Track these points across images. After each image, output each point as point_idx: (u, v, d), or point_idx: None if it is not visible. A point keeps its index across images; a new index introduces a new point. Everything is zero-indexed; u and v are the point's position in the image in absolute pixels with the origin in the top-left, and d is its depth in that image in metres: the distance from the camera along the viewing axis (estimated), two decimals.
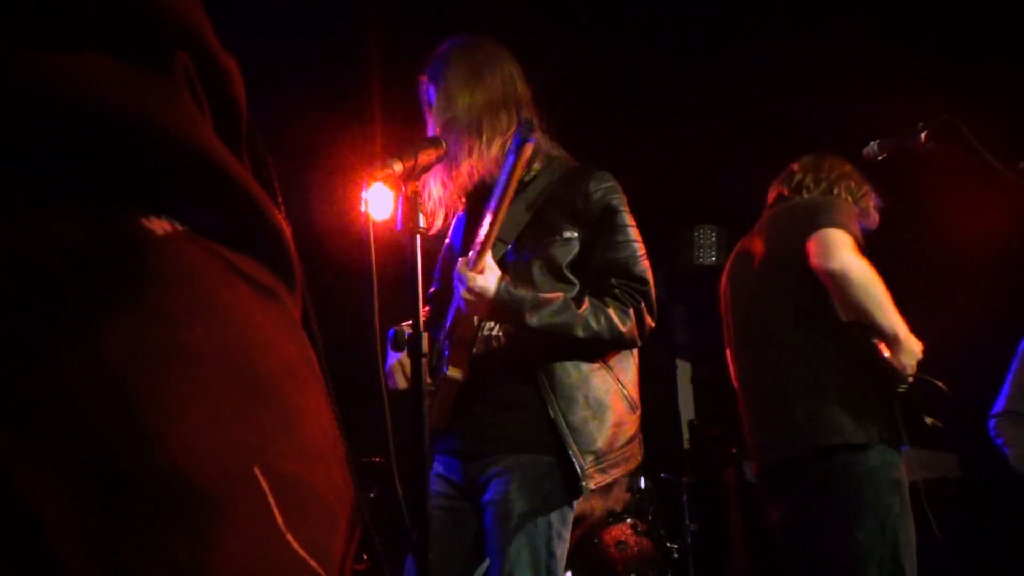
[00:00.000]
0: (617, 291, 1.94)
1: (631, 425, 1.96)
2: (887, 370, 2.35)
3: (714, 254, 5.44)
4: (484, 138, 1.99)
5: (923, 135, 2.51)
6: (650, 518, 4.12)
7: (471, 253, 1.89)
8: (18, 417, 0.34)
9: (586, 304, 1.91)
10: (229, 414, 0.40)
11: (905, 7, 3.66)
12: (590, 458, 1.86)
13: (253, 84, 0.53)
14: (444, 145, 1.98)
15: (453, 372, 1.98)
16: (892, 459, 2.35)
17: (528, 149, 1.76)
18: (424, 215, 1.83)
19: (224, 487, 0.38)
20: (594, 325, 1.88)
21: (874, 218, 2.79)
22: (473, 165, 1.99)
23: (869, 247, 2.69)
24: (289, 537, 0.41)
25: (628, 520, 4.07)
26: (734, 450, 5.08)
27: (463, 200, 2.08)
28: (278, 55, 3.77)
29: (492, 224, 1.86)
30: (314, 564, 0.42)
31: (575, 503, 1.89)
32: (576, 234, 1.99)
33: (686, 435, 5.94)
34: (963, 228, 2.82)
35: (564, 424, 1.86)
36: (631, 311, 1.93)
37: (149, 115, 0.41)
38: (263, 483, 0.40)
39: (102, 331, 0.37)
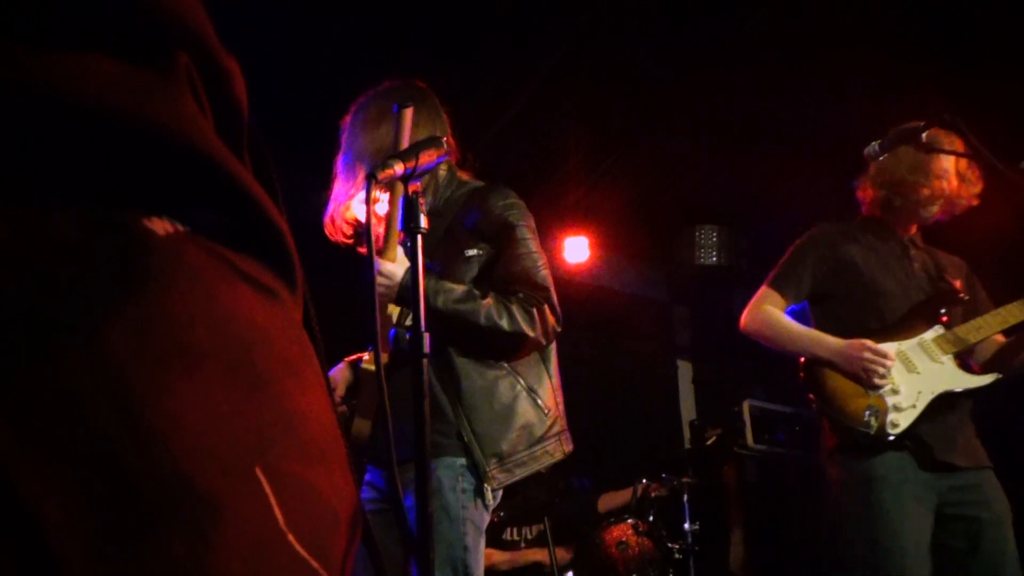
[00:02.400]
0: (521, 295, 2.07)
1: (540, 426, 2.07)
2: None
3: (715, 254, 5.43)
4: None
5: (924, 135, 2.51)
6: (651, 518, 4.12)
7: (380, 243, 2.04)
8: (19, 416, 0.34)
9: (490, 298, 2.04)
10: (230, 414, 0.40)
11: (905, 7, 3.66)
12: (493, 460, 2.00)
13: (254, 84, 0.53)
14: (445, 145, 1.99)
15: (368, 365, 2.09)
16: None
17: (407, 114, 1.89)
18: (424, 215, 1.85)
19: (225, 487, 0.38)
20: (496, 316, 2.01)
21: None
22: (351, 207, 2.13)
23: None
24: (290, 537, 0.41)
25: (629, 520, 4.08)
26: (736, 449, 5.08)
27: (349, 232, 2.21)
28: (279, 55, 3.78)
29: (391, 209, 1.96)
30: (315, 564, 0.42)
31: (488, 499, 2.01)
32: (478, 251, 2.13)
33: (687, 435, 5.94)
34: (963, 228, 2.82)
35: (469, 430, 2.00)
36: (534, 311, 2.05)
37: (150, 116, 0.41)
38: (264, 483, 0.40)
39: (103, 331, 0.37)
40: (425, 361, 1.76)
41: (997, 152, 2.52)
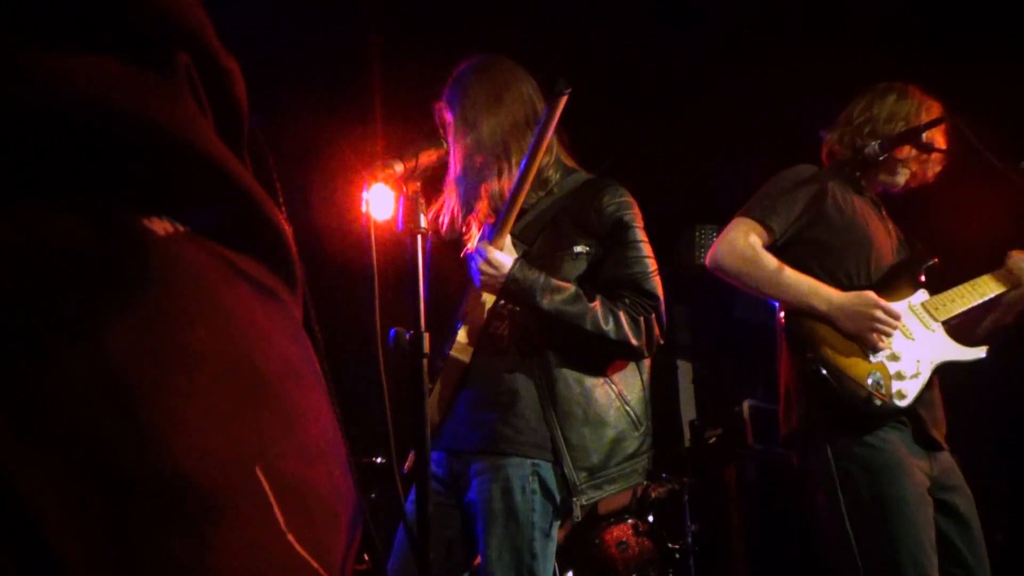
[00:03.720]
0: (628, 302, 1.95)
1: (633, 442, 1.96)
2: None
3: None
4: (513, 160, 2.00)
5: (924, 134, 2.51)
6: (651, 518, 4.12)
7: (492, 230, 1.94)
8: (19, 416, 0.34)
9: (598, 301, 1.92)
10: (230, 414, 0.40)
11: (905, 7, 3.66)
12: (583, 474, 1.87)
13: (254, 84, 0.53)
14: (445, 145, 1.99)
15: (457, 352, 1.99)
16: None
17: (562, 102, 1.72)
18: (424, 216, 1.84)
19: (225, 487, 0.38)
20: (602, 322, 1.89)
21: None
22: (504, 185, 1.99)
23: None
24: (290, 537, 0.41)
25: (629, 520, 4.07)
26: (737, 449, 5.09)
27: (492, 217, 2.06)
28: (279, 55, 3.78)
29: (515, 195, 1.87)
30: (315, 564, 0.42)
31: (576, 513, 1.87)
32: (587, 248, 1.99)
33: (687, 435, 5.94)
34: (963, 227, 2.82)
35: (560, 438, 1.87)
36: (641, 320, 1.93)
37: (150, 116, 0.41)
38: (264, 483, 0.40)
39: (103, 331, 0.37)
40: (425, 361, 1.75)
41: (997, 152, 2.52)
